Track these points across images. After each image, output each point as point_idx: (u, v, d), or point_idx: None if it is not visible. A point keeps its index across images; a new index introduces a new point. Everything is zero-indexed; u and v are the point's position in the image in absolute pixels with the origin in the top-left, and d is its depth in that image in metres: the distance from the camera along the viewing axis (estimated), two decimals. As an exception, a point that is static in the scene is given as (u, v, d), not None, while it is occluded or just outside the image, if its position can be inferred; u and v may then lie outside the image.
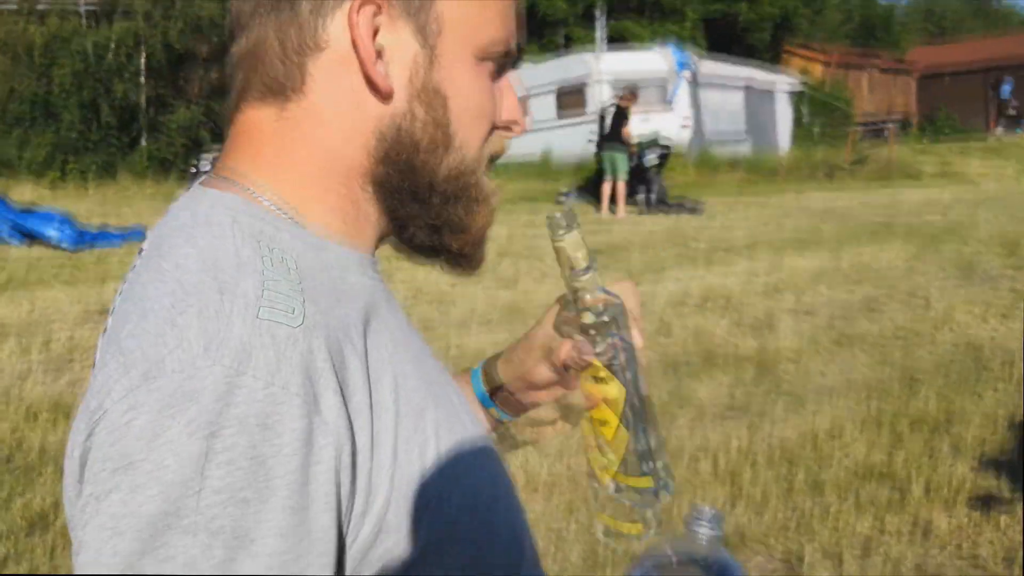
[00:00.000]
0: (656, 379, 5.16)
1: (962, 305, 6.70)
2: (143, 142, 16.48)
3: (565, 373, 0.81)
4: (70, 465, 0.57)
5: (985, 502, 3.52)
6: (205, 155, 14.86)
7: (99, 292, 7.19)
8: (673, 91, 18.29)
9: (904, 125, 29.72)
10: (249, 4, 0.66)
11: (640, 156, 13.55)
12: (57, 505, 3.61)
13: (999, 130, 29.76)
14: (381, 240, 0.73)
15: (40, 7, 16.09)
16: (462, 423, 0.70)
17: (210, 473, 0.50)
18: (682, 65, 18.44)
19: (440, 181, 0.69)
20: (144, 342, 0.55)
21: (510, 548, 0.69)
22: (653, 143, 13.99)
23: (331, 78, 0.65)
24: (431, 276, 8.31)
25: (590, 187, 14.17)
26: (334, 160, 0.67)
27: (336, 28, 0.64)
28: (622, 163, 13.13)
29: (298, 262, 0.61)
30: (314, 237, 0.66)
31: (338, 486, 0.55)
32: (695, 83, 18.91)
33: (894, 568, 3.05)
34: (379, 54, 0.65)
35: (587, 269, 0.76)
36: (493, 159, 0.73)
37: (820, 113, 25.78)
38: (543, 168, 17.47)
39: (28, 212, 10.13)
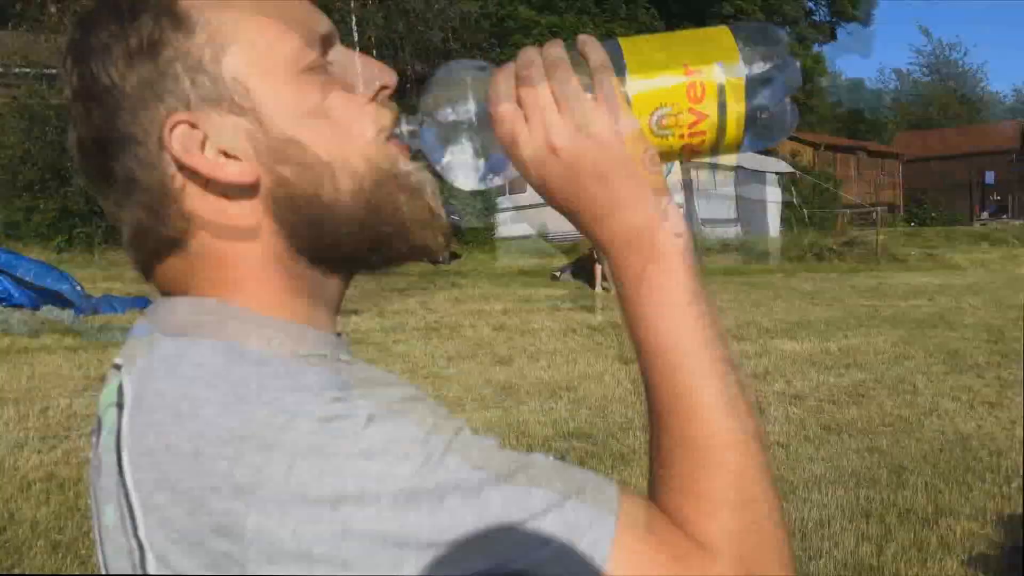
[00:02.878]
0: (646, 464, 5.21)
1: (949, 393, 6.80)
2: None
3: None
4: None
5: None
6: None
7: (100, 359, 7.23)
8: (668, 171, 18.58)
9: (891, 209, 30.20)
10: (109, 203, 0.69)
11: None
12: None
13: (984, 215, 30.29)
14: (339, 308, 0.73)
15: (54, 71, 16.35)
16: None
17: (434, 447, 0.56)
18: (676, 146, 18.78)
19: (350, 208, 0.67)
20: (245, 421, 0.56)
21: None
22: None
23: (204, 204, 0.65)
24: (428, 352, 8.38)
25: (585, 263, 14.36)
26: (260, 262, 0.67)
27: (171, 167, 0.64)
28: None
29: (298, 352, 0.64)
30: (295, 326, 0.67)
31: None
32: (688, 164, 19.25)
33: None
34: (222, 155, 0.65)
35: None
36: (384, 129, 0.70)
37: (809, 196, 26.22)
38: (539, 246, 17.70)
39: (47, 267, 10.19)
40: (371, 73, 0.70)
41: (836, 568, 3.81)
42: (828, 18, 37.38)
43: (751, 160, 22.48)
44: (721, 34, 0.69)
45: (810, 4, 36.42)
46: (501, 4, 26.42)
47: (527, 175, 0.67)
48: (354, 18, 20.36)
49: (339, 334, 0.72)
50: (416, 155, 0.71)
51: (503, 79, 0.67)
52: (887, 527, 4.25)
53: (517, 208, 19.13)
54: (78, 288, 9.83)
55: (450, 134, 0.69)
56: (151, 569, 0.58)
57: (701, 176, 19.85)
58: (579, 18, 27.00)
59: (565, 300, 12.14)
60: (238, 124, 0.65)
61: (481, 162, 0.70)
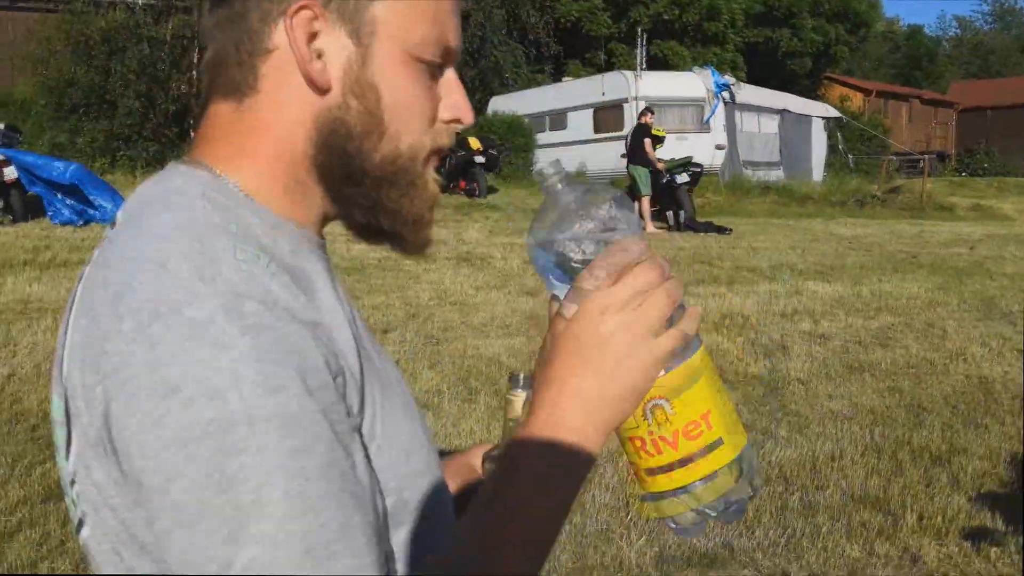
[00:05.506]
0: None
1: (979, 339, 6.72)
2: (192, 134, 16.70)
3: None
4: (80, 425, 0.64)
5: (978, 535, 3.56)
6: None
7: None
8: (709, 114, 18.34)
9: (941, 158, 29.49)
10: (211, 19, 0.76)
11: (671, 176, 13.63)
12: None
13: (1039, 168, 29.43)
14: (326, 222, 0.81)
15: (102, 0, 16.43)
16: (395, 392, 0.80)
17: (246, 374, 0.59)
18: (720, 88, 18.49)
19: (373, 167, 0.76)
20: (139, 289, 0.62)
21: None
22: (685, 163, 14.05)
23: (278, 77, 0.74)
24: (457, 280, 8.44)
25: (621, 202, 14.26)
26: (282, 148, 0.75)
27: (280, 34, 0.73)
28: (642, 179, 13.23)
29: (258, 237, 0.70)
30: (271, 216, 0.74)
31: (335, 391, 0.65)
32: (732, 107, 18.95)
33: (878, 591, 3.11)
34: (318, 54, 0.73)
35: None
36: (438, 152, 0.80)
37: (856, 142, 25.68)
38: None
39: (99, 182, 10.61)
40: (458, 104, 0.80)
41: (842, 499, 3.83)
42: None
43: (797, 104, 22.03)
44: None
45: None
46: None
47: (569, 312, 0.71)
48: None
49: (323, 239, 0.80)
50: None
51: (617, 257, 0.70)
52: (898, 463, 4.26)
53: (556, 144, 18.99)
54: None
55: (548, 246, 0.73)
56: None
57: (745, 118, 19.52)
58: None
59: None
60: (347, 47, 0.74)
61: (552, 270, 0.73)
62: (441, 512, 0.81)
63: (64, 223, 10.46)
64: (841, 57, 31.91)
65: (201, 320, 0.60)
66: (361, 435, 0.70)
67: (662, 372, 0.70)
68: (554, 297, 0.73)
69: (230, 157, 0.76)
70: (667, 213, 13.77)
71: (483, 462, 0.92)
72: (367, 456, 0.70)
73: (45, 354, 5.43)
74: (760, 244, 11.99)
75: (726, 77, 19.48)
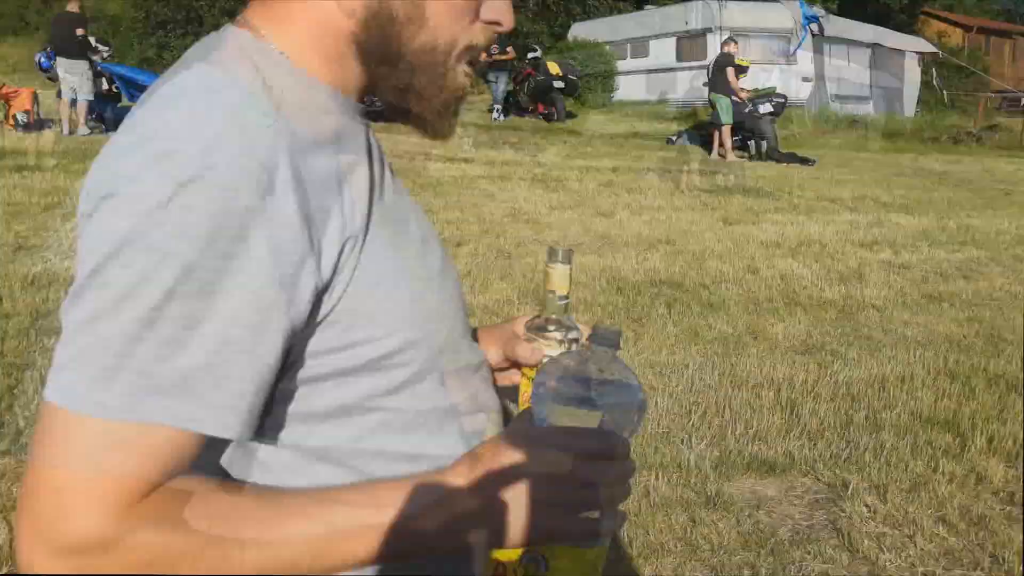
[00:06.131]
0: (736, 311, 5.22)
1: (1068, 276, 6.49)
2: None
3: (508, 365, 0.99)
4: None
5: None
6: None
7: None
8: (797, 45, 17.76)
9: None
10: None
11: (754, 105, 13.32)
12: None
13: None
14: (360, 95, 0.84)
15: None
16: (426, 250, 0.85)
17: (172, 210, 0.65)
18: (808, 19, 17.87)
19: (409, 52, 0.80)
20: (141, 120, 0.71)
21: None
22: (768, 93, 13.70)
23: None
24: (531, 200, 8.44)
25: (703, 130, 14.03)
26: (327, 20, 0.79)
27: None
28: (723, 108, 12.96)
29: (285, 93, 0.74)
30: (307, 76, 0.79)
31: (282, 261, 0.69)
32: (820, 39, 18.31)
33: (938, 507, 3.08)
34: None
35: (564, 298, 0.93)
36: (472, 50, 0.83)
37: (953, 79, 24.61)
38: (658, 111, 17.31)
39: None
40: (501, 7, 0.82)
41: (909, 418, 3.79)
42: None
43: (890, 38, 21.16)
44: None
45: None
46: None
47: (513, 438, 0.75)
48: None
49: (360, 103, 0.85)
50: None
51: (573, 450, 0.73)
52: (971, 388, 4.18)
53: (637, 72, 18.66)
54: None
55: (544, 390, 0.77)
56: None
57: (834, 50, 18.84)
58: None
59: (677, 163, 11.94)
60: None
61: (549, 397, 0.76)
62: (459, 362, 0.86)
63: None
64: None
65: (160, 157, 0.66)
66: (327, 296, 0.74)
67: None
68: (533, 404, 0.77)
69: (277, 21, 0.79)
70: (749, 143, 13.51)
71: (525, 329, 0.96)
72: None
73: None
74: (844, 176, 11.68)
75: (815, 9, 18.79)
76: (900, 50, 21.06)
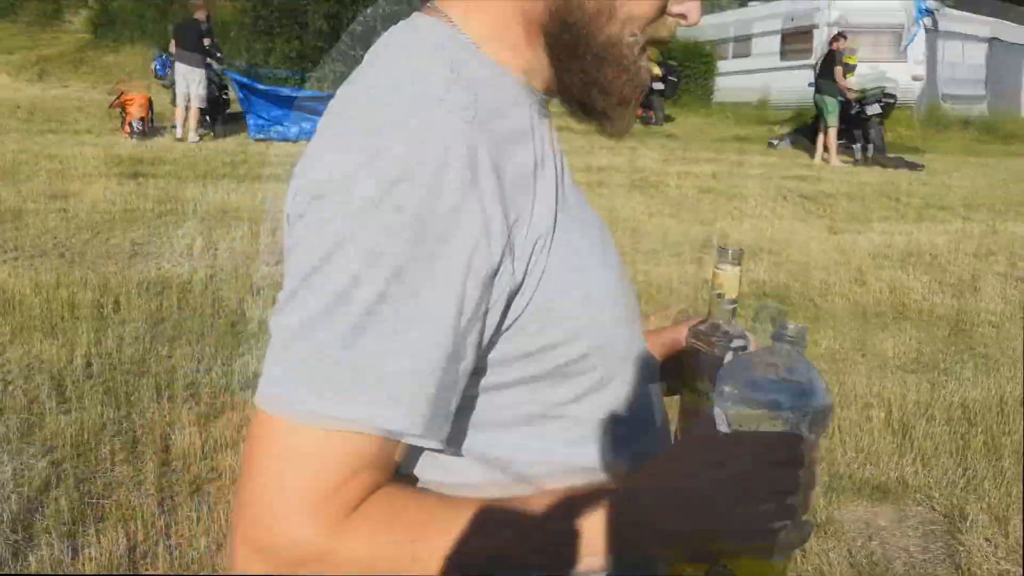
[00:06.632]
0: (842, 325, 5.08)
1: None
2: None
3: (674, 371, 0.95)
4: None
5: None
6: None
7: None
8: (908, 40, 17.15)
9: None
10: None
11: (861, 105, 12.92)
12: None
13: None
14: (548, 87, 0.83)
15: None
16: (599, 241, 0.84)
17: (382, 210, 0.65)
18: (921, 13, 17.22)
19: (597, 45, 0.78)
20: (353, 119, 0.71)
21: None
22: (877, 92, 13.27)
23: None
24: (629, 205, 8.39)
25: (807, 132, 13.67)
26: (518, 10, 0.79)
27: None
28: (829, 108, 12.59)
29: (479, 85, 0.74)
30: (497, 67, 0.79)
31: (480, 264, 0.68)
32: (934, 34, 17.64)
33: (1064, 539, 2.94)
34: None
35: (733, 302, 0.89)
36: (656, 43, 0.82)
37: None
38: (760, 111, 16.95)
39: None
40: (689, 3, 0.82)
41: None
42: None
43: (1010, 32, 20.24)
44: None
45: None
46: None
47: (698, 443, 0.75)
48: None
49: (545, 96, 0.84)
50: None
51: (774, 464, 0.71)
52: (1097, 413, 3.97)
53: (739, 72, 18.32)
54: None
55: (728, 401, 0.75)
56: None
57: (947, 46, 18.14)
58: None
59: (780, 167, 11.69)
60: None
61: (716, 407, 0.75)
62: (636, 378, 0.83)
63: (260, 139, 11.18)
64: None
65: (370, 158, 0.67)
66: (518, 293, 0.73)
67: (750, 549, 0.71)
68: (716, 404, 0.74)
69: (467, 8, 0.79)
70: (854, 146, 13.11)
71: (688, 336, 0.92)
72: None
73: (243, 257, 5.83)
74: (954, 182, 11.26)
75: (929, 1, 18.10)
76: (1021, 44, 20.15)
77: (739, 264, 0.88)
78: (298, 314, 0.66)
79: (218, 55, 12.18)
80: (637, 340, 0.86)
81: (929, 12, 17.40)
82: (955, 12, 19.13)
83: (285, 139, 11.47)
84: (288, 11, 16.31)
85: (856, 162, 12.90)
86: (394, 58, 0.75)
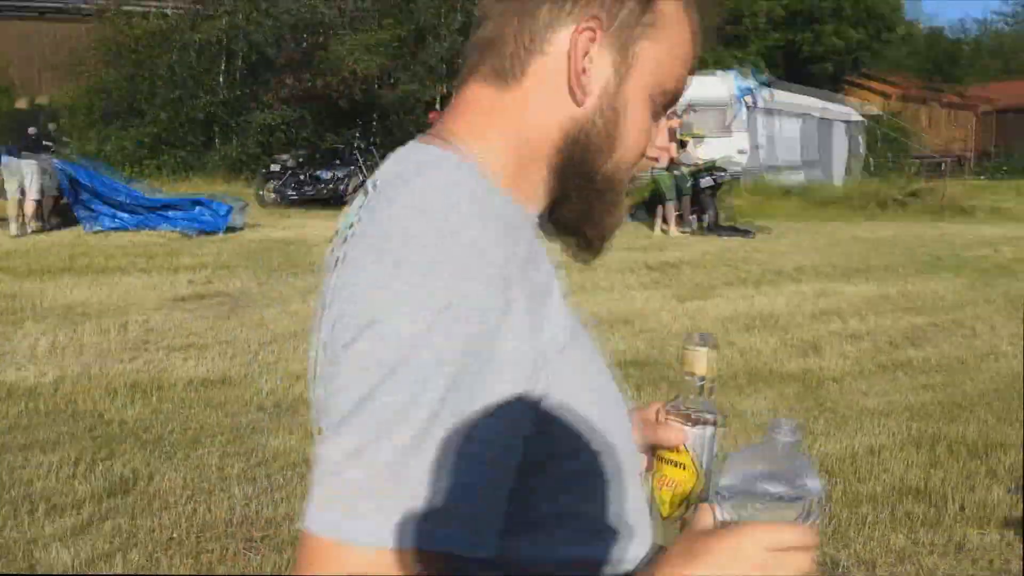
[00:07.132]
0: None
1: (1008, 338, 6.76)
2: (217, 144, 17.02)
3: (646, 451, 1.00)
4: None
5: (1018, 524, 3.62)
6: (276, 157, 15.13)
7: (172, 281, 7.54)
8: (733, 117, 18.39)
9: (961, 161, 29.37)
10: (499, 5, 0.84)
11: (695, 180, 13.78)
12: (136, 472, 3.88)
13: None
14: (541, 214, 0.88)
15: (128, 8, 16.62)
16: (600, 368, 0.88)
17: (432, 338, 0.68)
18: (742, 91, 18.54)
19: (598, 179, 0.84)
20: (394, 245, 0.72)
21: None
22: (709, 168, 14.21)
23: (543, 77, 0.82)
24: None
25: (645, 207, 14.37)
26: (527, 142, 0.83)
27: (560, 40, 0.82)
28: (665, 184, 13.34)
29: (503, 218, 0.77)
30: (505, 194, 0.81)
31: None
32: (754, 110, 18.99)
33: (926, 577, 3.17)
34: (584, 70, 0.82)
35: (703, 379, 0.95)
36: (632, 181, 0.89)
37: (878, 145, 25.65)
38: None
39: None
40: (665, 146, 0.90)
41: (884, 490, 3.90)
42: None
43: (818, 107, 22.04)
44: None
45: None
46: None
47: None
48: None
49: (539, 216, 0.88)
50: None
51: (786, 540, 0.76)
52: (936, 456, 4.32)
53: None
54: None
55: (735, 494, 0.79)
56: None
57: (766, 121, 19.57)
58: None
59: (625, 240, 12.19)
60: (609, 72, 0.83)
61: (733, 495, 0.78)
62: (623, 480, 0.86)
63: (97, 231, 10.75)
64: (863, 60, 31.88)
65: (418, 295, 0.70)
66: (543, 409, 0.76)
67: None
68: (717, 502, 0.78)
69: (479, 138, 0.83)
70: (690, 217, 13.90)
71: (665, 412, 0.96)
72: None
73: (95, 355, 5.57)
74: (784, 248, 12.05)
75: (748, 81, 19.50)
76: (828, 119, 21.94)
77: (706, 346, 0.95)
78: (353, 439, 0.68)
79: (45, 143, 11.72)
80: (631, 437, 0.90)
81: (749, 90, 18.76)
82: (771, 90, 20.72)
83: (124, 228, 11.08)
84: (125, 100, 15.94)
85: (693, 232, 13.66)
86: (420, 191, 0.76)
